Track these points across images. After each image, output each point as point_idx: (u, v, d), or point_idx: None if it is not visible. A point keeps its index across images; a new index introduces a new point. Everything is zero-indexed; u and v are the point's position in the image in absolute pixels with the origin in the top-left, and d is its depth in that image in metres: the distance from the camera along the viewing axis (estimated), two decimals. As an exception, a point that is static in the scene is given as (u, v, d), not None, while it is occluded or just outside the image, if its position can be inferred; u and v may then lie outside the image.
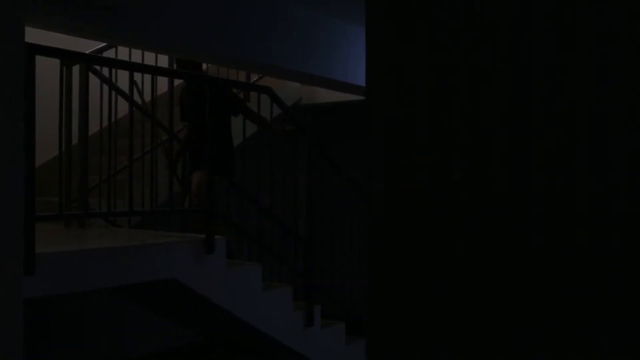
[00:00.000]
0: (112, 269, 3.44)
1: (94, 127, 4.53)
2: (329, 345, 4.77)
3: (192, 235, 4.10)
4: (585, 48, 1.09)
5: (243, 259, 4.75)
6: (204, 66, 5.58)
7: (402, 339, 1.25)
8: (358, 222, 5.79)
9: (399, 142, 1.21)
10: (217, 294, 3.99)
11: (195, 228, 4.66)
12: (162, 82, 5.47)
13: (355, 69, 5.47)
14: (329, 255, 5.53)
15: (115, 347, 5.57)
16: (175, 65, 5.29)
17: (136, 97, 4.64)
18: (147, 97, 5.45)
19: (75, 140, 4.25)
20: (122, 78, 4.88)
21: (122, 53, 5.35)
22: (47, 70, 3.95)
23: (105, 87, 4.36)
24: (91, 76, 4.25)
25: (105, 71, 4.46)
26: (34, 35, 3.38)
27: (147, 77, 5.25)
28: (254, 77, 6.25)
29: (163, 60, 5.64)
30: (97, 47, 5.24)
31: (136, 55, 5.62)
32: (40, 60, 3.14)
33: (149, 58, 5.66)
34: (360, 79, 5.45)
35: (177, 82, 5.70)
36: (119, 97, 4.44)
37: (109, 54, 5.23)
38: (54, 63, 3.68)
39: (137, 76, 4.61)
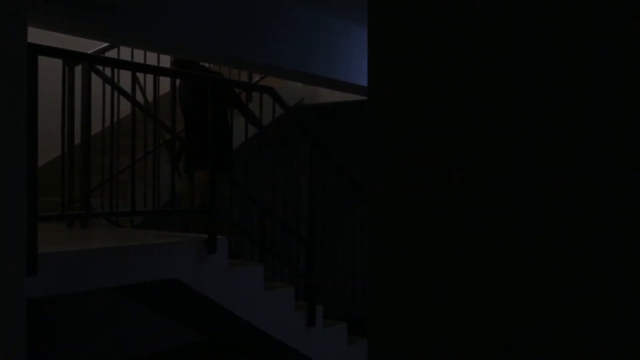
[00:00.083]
0: (114, 269, 3.45)
1: (96, 127, 4.54)
2: (330, 345, 4.78)
3: (194, 235, 4.10)
4: (585, 48, 1.09)
5: (244, 259, 4.76)
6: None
7: (402, 339, 1.25)
8: (360, 222, 5.79)
9: (399, 142, 1.21)
10: (218, 294, 4.00)
11: (196, 228, 4.67)
12: (165, 82, 5.48)
13: (357, 69, 5.47)
14: (331, 255, 5.53)
15: (116, 347, 5.58)
16: (170, 65, 5.29)
17: (138, 97, 4.64)
18: (150, 97, 5.46)
19: (77, 140, 4.26)
20: (125, 78, 4.89)
21: (125, 53, 5.36)
22: (49, 70, 3.96)
23: (108, 87, 4.37)
24: (93, 76, 4.26)
25: (107, 71, 4.46)
26: (35, 35, 3.39)
27: (149, 77, 5.26)
28: (256, 77, 6.25)
29: (165, 61, 5.64)
30: (100, 47, 5.25)
31: (138, 55, 5.63)
32: (43, 61, 3.15)
33: (151, 58, 5.67)
34: (362, 79, 5.45)
35: (178, 81, 5.71)
36: (121, 97, 4.45)
37: (112, 54, 5.24)
38: (56, 63, 3.69)
39: (139, 76, 4.62)
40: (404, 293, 1.23)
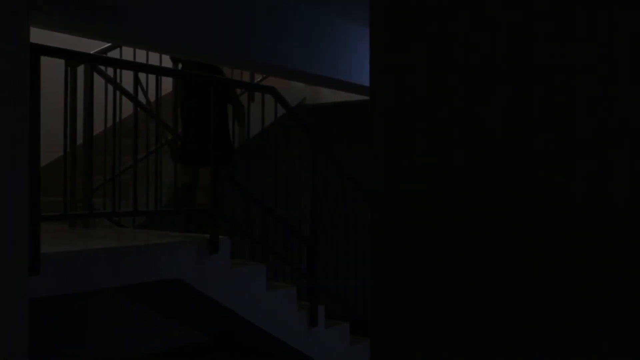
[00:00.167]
0: (117, 269, 3.45)
1: (98, 128, 4.54)
2: (333, 345, 4.78)
3: (196, 235, 4.11)
4: (585, 48, 1.09)
5: (245, 259, 4.76)
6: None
7: (403, 339, 1.25)
8: (361, 221, 5.79)
9: (399, 142, 1.21)
10: (220, 293, 4.00)
11: (199, 225, 4.67)
12: (167, 82, 5.48)
13: (360, 69, 5.47)
14: (333, 255, 5.53)
15: (118, 347, 5.59)
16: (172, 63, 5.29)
17: (140, 97, 4.65)
18: (152, 98, 5.47)
19: (79, 140, 4.26)
20: (127, 78, 4.89)
21: (127, 53, 5.37)
22: (50, 70, 3.97)
23: (110, 87, 4.38)
24: (96, 76, 4.26)
25: (110, 71, 4.47)
26: (36, 35, 3.39)
27: (152, 77, 5.27)
28: (258, 77, 6.25)
29: (167, 60, 5.65)
30: (102, 47, 5.26)
31: (141, 56, 5.64)
32: (44, 61, 3.16)
33: (154, 58, 5.68)
34: (364, 79, 5.45)
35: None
36: (124, 97, 4.46)
37: (114, 54, 5.24)
38: (58, 63, 3.70)
39: (142, 76, 4.62)
40: (404, 293, 1.23)
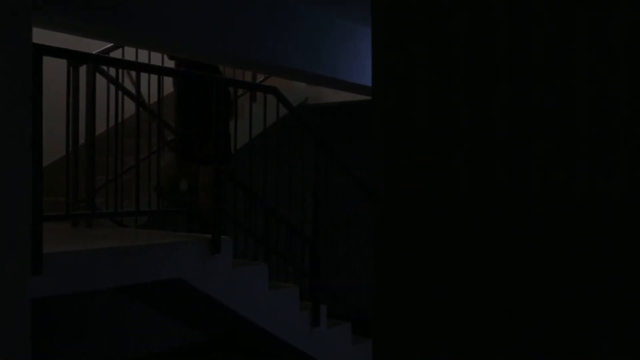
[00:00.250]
0: (119, 269, 3.46)
1: (100, 128, 4.55)
2: (335, 345, 4.78)
3: (198, 235, 4.11)
4: (585, 48, 1.09)
5: (247, 258, 4.76)
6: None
7: (403, 339, 1.25)
8: (364, 221, 5.79)
9: (399, 142, 1.21)
10: (223, 293, 4.00)
11: (202, 222, 4.68)
12: (168, 82, 5.49)
13: (362, 69, 5.47)
14: (335, 255, 5.53)
15: (118, 347, 5.59)
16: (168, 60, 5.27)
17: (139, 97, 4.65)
18: (154, 98, 5.47)
19: (82, 140, 4.27)
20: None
21: (129, 53, 5.38)
22: (52, 70, 3.98)
23: (112, 88, 4.39)
24: (98, 76, 4.27)
25: (112, 71, 4.48)
26: (37, 35, 3.40)
27: (154, 77, 5.27)
28: (260, 78, 6.26)
29: (170, 60, 5.65)
30: (104, 47, 5.27)
31: (143, 56, 5.65)
32: (46, 61, 3.16)
33: (156, 58, 5.69)
34: (366, 79, 5.45)
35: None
36: (126, 98, 4.46)
37: (116, 54, 5.25)
38: (60, 63, 3.70)
39: (142, 76, 4.63)
40: (404, 293, 1.23)
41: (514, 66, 1.14)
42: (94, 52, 4.94)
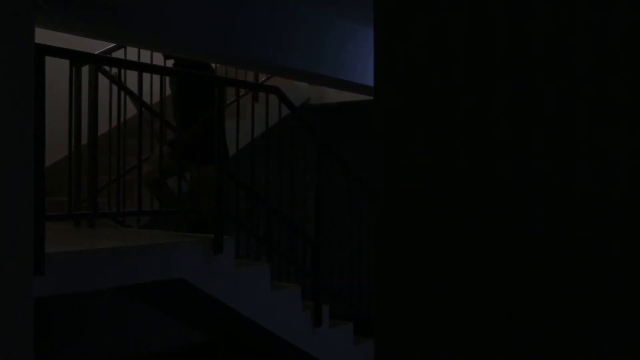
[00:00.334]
0: (121, 269, 3.46)
1: (103, 128, 4.55)
2: (337, 345, 4.78)
3: (201, 235, 4.12)
4: (585, 48, 1.09)
5: (250, 258, 4.77)
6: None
7: (404, 339, 1.25)
8: (366, 221, 5.79)
9: (399, 142, 1.21)
10: (225, 293, 4.01)
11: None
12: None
13: (364, 69, 5.47)
14: (338, 255, 5.54)
15: (118, 347, 5.60)
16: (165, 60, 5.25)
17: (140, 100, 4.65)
18: (156, 98, 5.48)
19: (84, 140, 4.28)
20: (132, 79, 4.90)
21: (132, 53, 5.39)
22: (54, 70, 3.98)
23: (114, 88, 4.39)
24: (100, 76, 4.28)
25: (114, 71, 4.48)
26: (39, 35, 3.40)
27: (156, 77, 5.28)
28: (262, 78, 6.26)
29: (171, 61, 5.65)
30: (106, 47, 5.28)
31: (145, 55, 5.65)
32: (48, 61, 3.17)
33: (158, 58, 5.69)
34: (369, 79, 5.45)
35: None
36: (128, 98, 4.47)
37: (118, 54, 5.26)
38: (62, 63, 3.71)
39: (141, 77, 4.63)
40: (404, 293, 1.23)
41: (514, 66, 1.14)
42: (96, 52, 4.95)
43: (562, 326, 1.10)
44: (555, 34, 1.11)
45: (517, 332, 1.13)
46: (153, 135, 4.54)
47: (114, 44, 5.22)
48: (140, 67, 3.94)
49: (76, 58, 3.61)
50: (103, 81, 4.36)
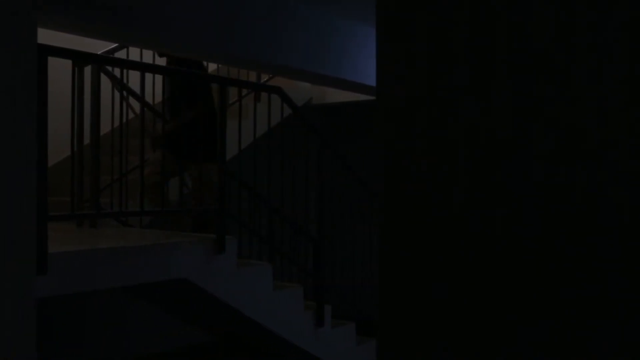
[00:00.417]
0: (124, 269, 3.47)
1: (105, 128, 4.56)
2: (339, 346, 4.78)
3: (203, 235, 4.12)
4: (585, 48, 1.09)
5: (252, 258, 4.77)
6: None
7: (405, 339, 1.26)
8: (368, 221, 5.79)
9: (399, 142, 1.21)
10: (227, 293, 4.01)
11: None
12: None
13: (366, 69, 5.47)
14: (339, 255, 5.54)
15: (118, 347, 5.61)
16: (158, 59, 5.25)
17: (131, 100, 4.65)
18: (158, 98, 5.49)
19: (87, 140, 4.29)
20: (134, 79, 4.91)
21: (134, 53, 5.39)
22: (56, 70, 3.99)
23: (123, 88, 4.40)
24: (103, 77, 4.28)
25: (116, 72, 4.49)
26: (40, 35, 3.41)
27: (157, 77, 5.29)
28: (264, 78, 6.27)
29: (160, 58, 5.65)
30: (109, 47, 5.28)
31: (147, 55, 5.66)
32: (51, 61, 3.18)
33: (159, 58, 5.70)
34: (371, 79, 5.45)
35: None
36: (130, 98, 4.47)
37: (121, 54, 5.27)
38: (64, 64, 3.72)
39: (144, 77, 4.64)
40: (405, 293, 1.23)
41: (514, 66, 1.14)
42: (98, 53, 4.95)
43: (562, 326, 1.10)
44: (555, 34, 1.11)
45: (517, 332, 1.13)
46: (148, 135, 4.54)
47: (116, 44, 5.23)
48: (143, 67, 3.94)
49: (78, 58, 3.62)
50: (105, 81, 4.36)
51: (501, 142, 1.15)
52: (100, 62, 3.98)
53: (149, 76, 5.68)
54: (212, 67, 6.23)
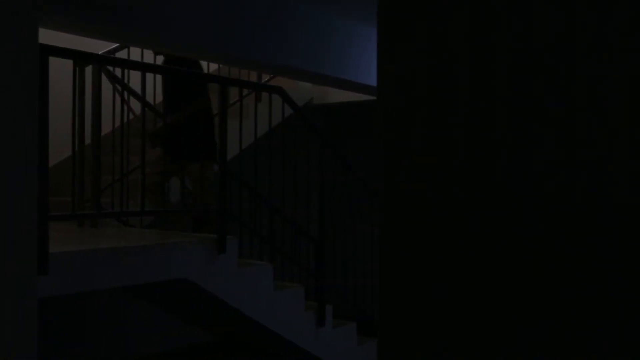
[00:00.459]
0: (125, 269, 3.47)
1: (106, 128, 4.56)
2: (340, 346, 4.78)
3: (204, 235, 4.12)
4: (586, 48, 1.09)
5: (253, 258, 4.77)
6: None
7: (405, 339, 1.26)
8: (369, 221, 5.79)
9: (399, 142, 1.21)
10: (228, 293, 4.01)
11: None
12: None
13: (367, 69, 5.47)
14: (341, 255, 5.54)
15: (118, 347, 5.61)
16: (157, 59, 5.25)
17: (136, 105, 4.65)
18: (159, 97, 5.48)
19: (88, 140, 4.29)
20: (135, 79, 4.91)
21: (135, 53, 5.40)
22: (57, 70, 3.99)
23: (118, 88, 4.40)
24: (104, 77, 4.29)
25: (117, 72, 4.49)
26: (42, 35, 3.42)
27: (157, 77, 5.29)
28: (265, 78, 6.27)
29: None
30: (110, 47, 5.29)
31: (148, 55, 5.66)
32: (52, 61, 3.18)
33: (159, 58, 5.70)
34: (372, 79, 5.45)
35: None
36: (130, 98, 4.47)
37: (122, 54, 5.27)
38: (65, 64, 3.72)
39: (144, 77, 4.64)
40: (404, 293, 1.23)
41: (514, 66, 1.14)
42: (99, 53, 4.96)
43: (562, 326, 1.10)
44: (555, 34, 1.11)
45: (517, 332, 1.13)
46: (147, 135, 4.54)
47: (117, 44, 5.23)
48: (144, 67, 3.95)
49: (79, 58, 3.62)
50: (107, 81, 4.37)
51: (501, 142, 1.15)
52: (102, 62, 3.98)
53: (149, 76, 5.68)
54: (213, 67, 6.23)
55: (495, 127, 1.15)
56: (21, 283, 2.76)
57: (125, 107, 4.31)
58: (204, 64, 5.71)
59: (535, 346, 1.11)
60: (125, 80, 4.67)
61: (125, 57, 5.24)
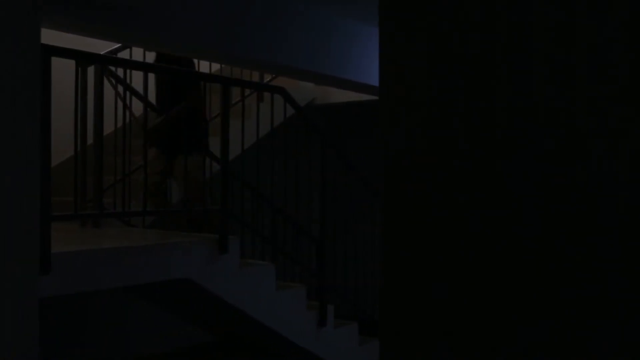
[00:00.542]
0: (127, 269, 3.48)
1: (108, 128, 4.56)
2: (342, 346, 4.78)
3: (206, 235, 4.13)
4: (586, 48, 1.09)
5: (254, 258, 4.77)
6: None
7: (406, 340, 1.26)
8: (371, 221, 5.79)
9: (399, 142, 1.21)
10: (230, 293, 4.02)
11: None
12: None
13: (369, 69, 5.47)
14: (342, 255, 5.54)
15: (118, 347, 5.61)
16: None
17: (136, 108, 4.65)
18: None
19: (90, 140, 4.30)
20: (136, 79, 4.91)
21: (137, 53, 5.40)
22: (59, 70, 4.00)
23: (120, 88, 4.41)
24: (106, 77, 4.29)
25: (120, 72, 4.50)
26: (44, 35, 3.42)
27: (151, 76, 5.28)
28: (267, 78, 6.27)
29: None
30: (112, 47, 5.29)
31: (148, 56, 5.66)
32: (54, 61, 3.18)
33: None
34: (374, 79, 5.45)
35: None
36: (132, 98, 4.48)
37: (124, 54, 5.28)
38: (67, 64, 3.72)
39: (146, 77, 4.63)
40: (404, 293, 1.23)
41: (514, 66, 1.14)
42: (101, 53, 4.96)
43: (562, 326, 1.10)
44: (555, 34, 1.11)
45: (517, 332, 1.13)
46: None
47: (119, 44, 5.24)
48: (146, 68, 3.95)
49: (82, 58, 3.62)
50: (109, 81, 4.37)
51: (501, 142, 1.15)
52: (104, 62, 3.98)
53: (150, 76, 5.68)
54: (215, 67, 6.23)
55: (495, 127, 1.15)
56: (22, 283, 2.76)
57: (127, 107, 4.32)
58: (205, 64, 5.71)
59: (535, 346, 1.11)
60: (127, 80, 4.67)
61: (127, 57, 5.25)
